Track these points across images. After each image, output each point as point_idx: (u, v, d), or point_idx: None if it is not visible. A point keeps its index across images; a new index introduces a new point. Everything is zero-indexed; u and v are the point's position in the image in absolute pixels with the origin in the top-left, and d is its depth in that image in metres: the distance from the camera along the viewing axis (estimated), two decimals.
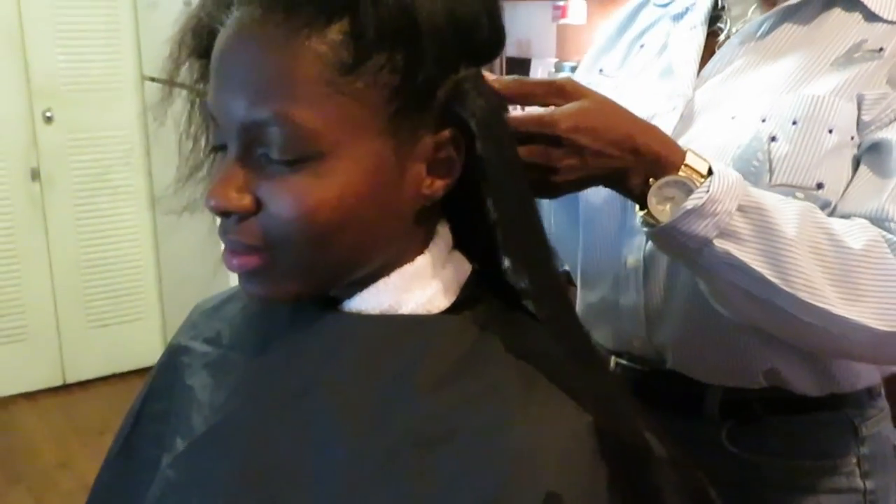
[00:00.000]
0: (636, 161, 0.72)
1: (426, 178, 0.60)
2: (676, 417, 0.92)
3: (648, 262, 0.91)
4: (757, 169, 0.83)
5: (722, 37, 0.96)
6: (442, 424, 0.56)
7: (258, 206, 0.57)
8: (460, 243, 0.67)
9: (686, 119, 0.91)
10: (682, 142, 0.88)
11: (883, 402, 0.98)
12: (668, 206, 0.73)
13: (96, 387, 3.49)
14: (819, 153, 0.82)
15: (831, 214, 0.82)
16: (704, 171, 0.73)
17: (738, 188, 0.73)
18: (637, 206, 0.76)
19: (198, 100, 0.63)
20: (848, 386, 0.92)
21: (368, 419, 0.57)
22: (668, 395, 0.95)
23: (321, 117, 0.55)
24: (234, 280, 0.64)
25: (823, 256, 0.74)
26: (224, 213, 0.57)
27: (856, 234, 0.76)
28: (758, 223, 0.73)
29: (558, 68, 2.95)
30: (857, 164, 0.84)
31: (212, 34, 0.58)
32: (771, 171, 0.82)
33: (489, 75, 0.64)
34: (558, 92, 0.71)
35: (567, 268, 1.06)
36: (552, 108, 0.70)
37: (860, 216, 0.80)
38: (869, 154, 0.83)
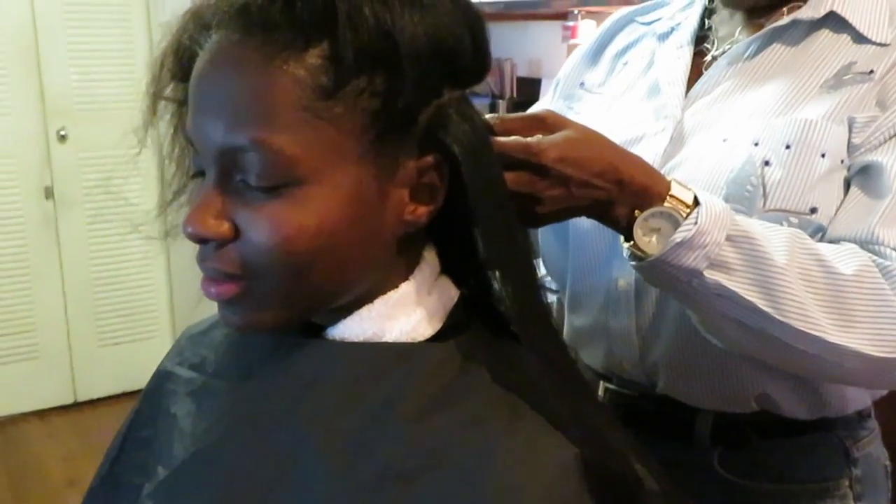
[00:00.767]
0: (620, 192, 0.71)
1: (409, 205, 0.59)
2: (667, 442, 0.91)
3: (640, 284, 0.90)
4: (751, 194, 0.82)
5: (708, 57, 0.95)
6: (424, 456, 0.55)
7: (236, 233, 0.56)
8: (448, 268, 0.66)
9: (676, 141, 0.90)
10: (673, 163, 0.88)
11: (873, 423, 0.97)
12: (654, 238, 0.72)
13: (107, 405, 3.49)
14: (812, 178, 0.81)
15: (822, 239, 0.81)
16: (690, 201, 0.72)
17: (725, 218, 0.72)
18: (622, 238, 0.75)
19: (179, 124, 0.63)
20: (839, 409, 0.91)
21: (349, 450, 0.56)
22: (658, 419, 0.94)
23: (299, 143, 0.54)
24: None
25: (814, 283, 0.73)
26: (201, 240, 0.57)
27: (846, 259, 0.75)
28: (747, 252, 0.72)
29: None
30: (848, 186, 0.83)
31: (193, 57, 0.58)
32: (765, 195, 0.81)
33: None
34: (540, 125, 0.70)
35: (555, 298, 1.05)
36: (539, 136, 0.69)
37: (849, 240, 0.79)
38: (859, 177, 0.82)
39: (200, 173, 0.58)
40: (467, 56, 0.59)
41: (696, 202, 0.72)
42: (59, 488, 2.90)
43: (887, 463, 0.99)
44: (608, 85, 1.03)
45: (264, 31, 0.54)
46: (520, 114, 0.72)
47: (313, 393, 0.59)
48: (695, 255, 0.71)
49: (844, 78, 0.84)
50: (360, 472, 0.55)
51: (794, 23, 0.88)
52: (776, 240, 0.74)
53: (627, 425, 0.96)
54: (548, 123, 0.71)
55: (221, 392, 0.63)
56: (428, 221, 0.60)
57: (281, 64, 0.53)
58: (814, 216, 0.81)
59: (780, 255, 0.72)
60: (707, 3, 0.98)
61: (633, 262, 0.75)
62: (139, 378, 3.47)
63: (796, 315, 0.72)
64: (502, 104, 3.07)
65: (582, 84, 1.06)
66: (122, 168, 3.33)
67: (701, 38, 0.97)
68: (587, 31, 2.81)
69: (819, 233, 0.81)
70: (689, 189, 0.73)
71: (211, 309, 0.63)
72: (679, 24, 0.99)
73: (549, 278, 1.05)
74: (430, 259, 0.64)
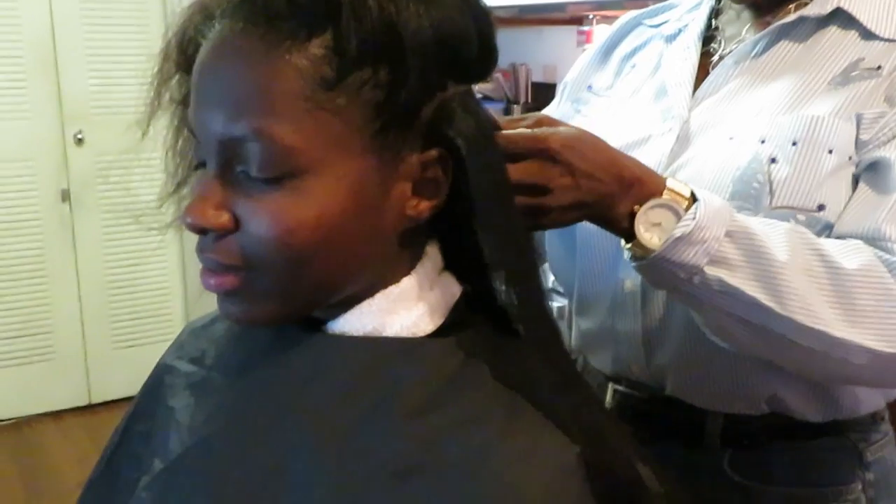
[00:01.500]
0: (620, 187, 0.71)
1: (411, 199, 0.58)
2: (677, 445, 0.91)
3: (646, 286, 0.89)
4: (757, 191, 0.81)
5: (715, 57, 0.95)
6: (422, 453, 0.54)
7: (236, 224, 0.55)
8: (452, 264, 0.65)
9: (682, 140, 0.90)
10: (679, 163, 0.88)
11: (887, 427, 0.96)
12: (655, 234, 0.72)
13: (121, 407, 3.46)
14: (820, 175, 0.80)
15: (829, 236, 0.80)
16: (687, 195, 0.72)
17: (724, 213, 0.72)
18: (623, 241, 0.75)
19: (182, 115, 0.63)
20: (851, 411, 0.90)
21: (346, 446, 0.55)
22: (668, 421, 0.93)
23: (301, 134, 0.53)
24: None
25: (818, 278, 0.72)
26: (201, 231, 0.56)
27: (849, 254, 0.74)
28: (748, 248, 0.72)
29: None
30: (856, 183, 0.82)
31: (198, 48, 0.57)
32: (771, 192, 0.80)
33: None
34: (537, 125, 0.71)
35: (564, 302, 1.04)
36: (543, 128, 0.70)
37: (855, 236, 0.78)
38: (867, 173, 0.81)
39: (202, 164, 0.58)
40: (473, 50, 0.58)
41: (694, 198, 0.72)
42: (73, 489, 2.89)
43: None
44: (616, 87, 1.02)
45: (268, 20, 0.53)
46: (516, 115, 0.73)
47: (312, 387, 0.58)
48: (695, 250, 0.70)
49: (852, 74, 0.83)
50: (358, 467, 0.54)
51: (802, 20, 0.88)
52: (776, 236, 0.73)
53: (636, 427, 0.95)
54: (545, 124, 0.72)
55: (220, 386, 0.63)
56: (430, 216, 0.60)
57: (283, 54, 0.53)
58: (821, 213, 0.80)
59: (781, 251, 0.72)
60: (714, 3, 0.98)
61: (634, 263, 0.75)
62: None
63: (800, 310, 0.71)
64: (517, 109, 3.07)
65: (590, 87, 1.06)
66: (137, 171, 3.36)
67: (708, 39, 0.96)
68: (602, 36, 2.80)
69: (827, 230, 0.80)
70: (686, 185, 0.73)
71: None
72: (686, 25, 0.99)
73: (556, 282, 1.05)
74: (432, 254, 0.63)
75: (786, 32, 0.89)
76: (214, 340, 0.67)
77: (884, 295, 0.73)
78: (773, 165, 0.81)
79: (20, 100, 3.21)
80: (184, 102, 0.62)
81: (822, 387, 0.87)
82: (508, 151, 0.66)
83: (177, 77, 0.62)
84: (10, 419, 3.37)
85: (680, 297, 0.77)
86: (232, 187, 0.56)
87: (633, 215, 0.72)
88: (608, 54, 1.07)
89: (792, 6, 0.89)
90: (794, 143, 0.81)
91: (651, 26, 1.04)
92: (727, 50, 0.93)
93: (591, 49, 1.11)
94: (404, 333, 0.60)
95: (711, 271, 0.71)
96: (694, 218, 0.70)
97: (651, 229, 0.72)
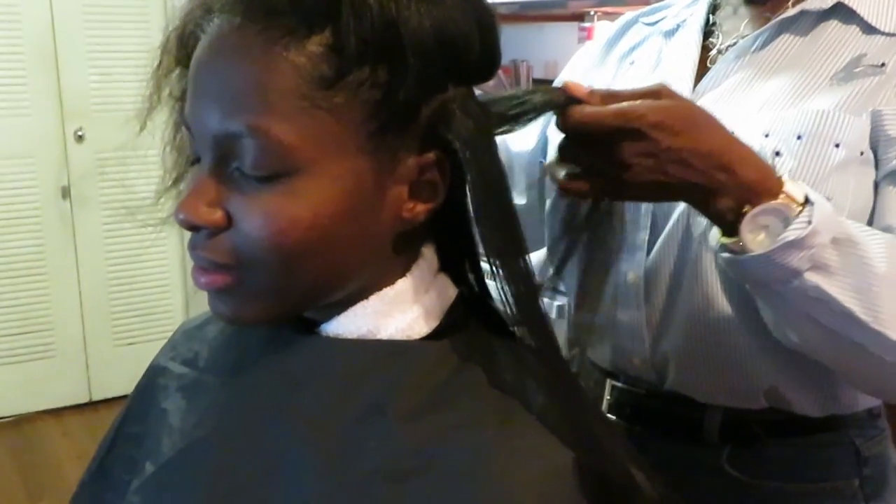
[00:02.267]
0: (728, 181, 0.67)
1: (407, 202, 0.58)
2: (676, 441, 0.91)
3: (649, 277, 0.89)
4: None
5: (714, 52, 0.94)
6: (415, 457, 0.53)
7: (229, 221, 0.55)
8: (448, 266, 0.64)
9: None
10: None
11: (883, 423, 0.95)
12: (762, 235, 0.68)
13: (122, 404, 3.47)
14: (825, 168, 0.79)
15: None
16: (801, 199, 0.68)
17: (833, 218, 0.69)
18: (716, 231, 0.71)
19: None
20: (849, 406, 0.90)
21: (340, 449, 0.55)
22: (666, 417, 0.93)
23: (297, 132, 0.52)
24: None
25: None
26: (193, 228, 0.55)
27: None
28: (849, 256, 0.69)
29: None
30: (864, 180, 0.80)
31: (197, 43, 0.57)
32: None
33: (584, 94, 0.64)
34: (653, 96, 0.68)
35: (564, 301, 1.03)
36: (640, 101, 0.66)
37: None
38: None
39: (197, 160, 0.57)
40: (475, 52, 0.57)
41: (807, 199, 0.68)
42: (73, 486, 2.87)
43: None
44: (615, 86, 1.01)
45: (266, 16, 0.53)
46: (633, 89, 0.69)
47: (305, 390, 0.57)
48: (801, 255, 0.67)
49: (855, 70, 0.83)
50: (351, 471, 0.54)
51: (802, 14, 0.87)
52: (876, 245, 0.71)
53: (635, 424, 0.95)
54: (661, 95, 0.68)
55: (212, 388, 0.62)
56: (427, 219, 0.59)
57: (281, 51, 0.52)
58: None
59: (880, 263, 0.70)
60: None
61: (725, 255, 0.71)
62: None
63: (893, 324, 0.69)
64: None
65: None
66: (137, 167, 3.36)
67: (706, 35, 0.96)
68: (603, 32, 2.79)
69: None
70: (801, 187, 0.69)
71: None
72: (685, 20, 0.99)
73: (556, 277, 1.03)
74: (428, 256, 0.62)
75: (787, 26, 0.88)
76: (208, 342, 0.66)
77: None
78: (777, 159, 0.80)
79: (20, 96, 3.21)
80: (183, 97, 0.62)
81: (822, 381, 0.87)
82: (593, 130, 0.64)
83: (177, 71, 0.61)
84: (10, 416, 3.37)
85: (764, 294, 0.75)
86: (226, 184, 0.55)
87: (739, 213, 0.68)
88: (606, 54, 1.07)
89: (790, 1, 0.89)
90: (798, 137, 0.80)
91: (648, 24, 1.04)
92: (726, 45, 0.93)
93: (588, 48, 1.11)
94: (399, 336, 0.59)
95: (810, 277, 0.68)
96: (809, 222, 0.67)
97: (757, 230, 0.68)
